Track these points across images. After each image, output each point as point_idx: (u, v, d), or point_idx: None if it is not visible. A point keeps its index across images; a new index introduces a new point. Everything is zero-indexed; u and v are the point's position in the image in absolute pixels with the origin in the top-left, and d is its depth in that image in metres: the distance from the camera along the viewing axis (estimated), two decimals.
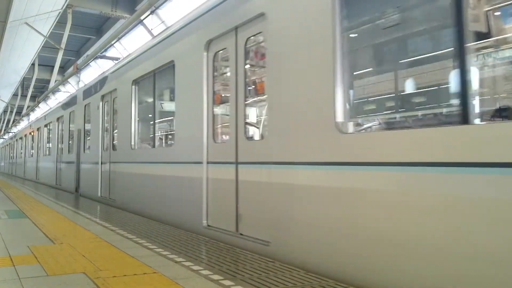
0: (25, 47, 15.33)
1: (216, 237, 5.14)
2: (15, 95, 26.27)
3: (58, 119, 15.69)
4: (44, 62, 22.71)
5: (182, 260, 3.97)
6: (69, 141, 13.92)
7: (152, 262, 3.89)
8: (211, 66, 5.58)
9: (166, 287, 3.16)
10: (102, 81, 10.39)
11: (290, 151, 4.06)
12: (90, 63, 20.24)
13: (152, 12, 14.45)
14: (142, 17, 13.60)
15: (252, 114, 5.39)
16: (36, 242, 4.86)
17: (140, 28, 16.36)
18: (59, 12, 12.48)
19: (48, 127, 17.84)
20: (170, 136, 7.81)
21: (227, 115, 5.27)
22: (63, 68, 25.44)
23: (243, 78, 4.94)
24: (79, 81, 24.64)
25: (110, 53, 19.51)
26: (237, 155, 4.91)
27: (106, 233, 5.49)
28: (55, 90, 22.93)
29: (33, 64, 19.20)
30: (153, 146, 7.68)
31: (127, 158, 8.43)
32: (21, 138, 25.63)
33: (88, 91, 11.55)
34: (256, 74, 5.20)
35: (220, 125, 5.71)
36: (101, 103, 10.35)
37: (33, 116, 28.61)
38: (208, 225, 5.43)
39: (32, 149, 21.44)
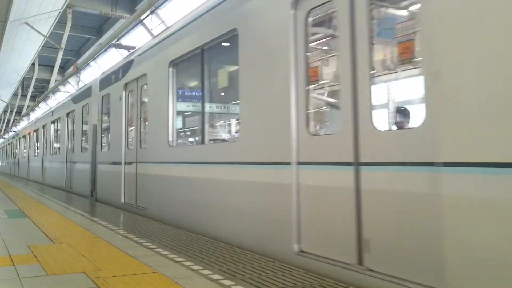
0: (25, 47, 15.34)
1: (316, 268, 3.67)
2: (15, 95, 26.29)
3: (68, 114, 14.07)
4: (44, 62, 22.72)
5: (182, 260, 3.98)
6: (82, 138, 12.30)
7: (152, 262, 3.89)
8: (303, 30, 4.03)
9: (166, 286, 3.16)
10: (125, 66, 8.72)
11: (497, 145, 2.48)
12: (90, 63, 20.24)
13: (152, 12, 14.47)
14: (142, 17, 13.62)
15: (382, 92, 3.69)
16: (36, 241, 4.86)
17: (140, 28, 16.38)
18: (59, 12, 12.48)
19: (56, 124, 16.16)
20: (231, 129, 6.46)
21: (335, 96, 3.93)
22: (63, 68, 25.46)
23: (366, 42, 3.38)
24: (79, 81, 24.67)
25: (110, 53, 19.56)
26: (358, 152, 3.42)
27: (106, 232, 5.49)
28: (55, 90, 22.93)
29: (33, 64, 19.21)
30: (202, 142, 6.10)
31: (162, 157, 6.85)
32: (24, 136, 24.44)
33: (107, 80, 9.90)
34: (390, 34, 3.59)
35: (319, 111, 4.29)
36: (124, 93, 8.70)
37: (33, 116, 28.59)
38: (302, 251, 3.91)
39: (37, 147, 19.86)
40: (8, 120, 34.44)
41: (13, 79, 20.72)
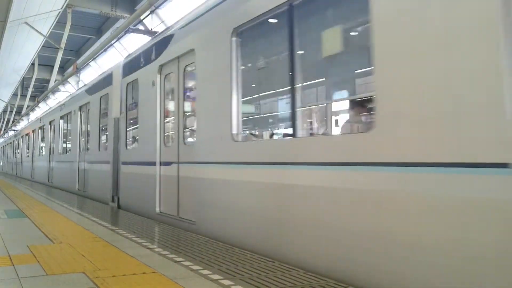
0: (25, 47, 15.36)
1: None
2: (14, 94, 26.33)
3: (81, 107, 12.37)
4: (44, 61, 22.74)
5: (181, 260, 3.97)
6: (99, 134, 10.54)
7: (151, 262, 3.88)
8: None
9: (165, 286, 3.15)
10: (160, 44, 7.17)
11: None
12: (89, 63, 20.25)
13: (152, 12, 14.46)
14: (142, 17, 13.61)
15: None
16: (36, 241, 4.86)
17: (140, 27, 16.38)
18: (59, 12, 12.50)
19: (66, 119, 14.44)
20: (347, 113, 4.48)
21: None
22: (63, 68, 25.47)
23: None
24: (78, 80, 24.68)
25: (110, 53, 19.57)
26: None
27: (105, 232, 5.48)
28: (54, 90, 22.93)
29: (33, 64, 19.24)
30: (293, 134, 4.24)
31: (220, 156, 5.25)
32: (27, 134, 23.09)
33: (133, 64, 8.30)
34: None
35: None
36: (158, 77, 7.12)
37: (33, 115, 28.57)
38: None
39: (43, 146, 18.35)
40: (8, 120, 34.48)
41: (13, 79, 20.74)
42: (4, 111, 33.76)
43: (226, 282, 3.26)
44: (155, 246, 4.60)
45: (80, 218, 6.85)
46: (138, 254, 4.23)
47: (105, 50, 17.18)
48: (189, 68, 6.34)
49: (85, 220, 6.57)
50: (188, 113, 6.43)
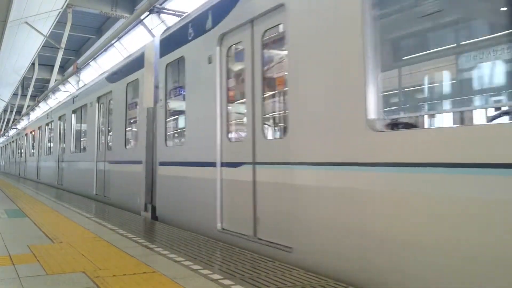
0: (25, 47, 15.36)
1: None
2: (15, 94, 26.33)
3: (99, 98, 10.82)
4: (44, 61, 22.75)
5: (181, 260, 3.97)
6: (125, 129, 8.90)
7: (151, 262, 3.89)
8: None
9: (165, 286, 3.16)
10: (221, 7, 5.47)
11: None
12: (90, 63, 20.25)
13: (152, 12, 14.47)
14: (142, 17, 13.62)
15: None
16: (36, 241, 4.86)
17: (140, 28, 16.39)
18: (59, 12, 12.50)
19: (80, 113, 12.93)
20: None
21: None
22: (63, 68, 25.48)
23: None
24: (79, 80, 24.69)
25: (110, 53, 19.57)
26: None
27: (105, 232, 5.48)
28: (55, 90, 22.94)
29: (33, 64, 19.24)
30: None
31: (345, 154, 3.51)
32: (31, 132, 21.46)
33: (176, 38, 6.64)
34: None
35: None
36: (218, 51, 5.45)
37: (33, 115, 28.53)
38: None
39: (51, 145, 16.85)
40: (8, 120, 34.54)
41: (13, 78, 20.74)
42: (5, 110, 33.79)
43: (227, 282, 3.26)
44: (155, 246, 4.58)
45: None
46: (138, 253, 4.23)
47: (105, 50, 17.18)
48: (270, 33, 4.71)
49: (84, 219, 6.55)
50: (270, 95, 4.94)
